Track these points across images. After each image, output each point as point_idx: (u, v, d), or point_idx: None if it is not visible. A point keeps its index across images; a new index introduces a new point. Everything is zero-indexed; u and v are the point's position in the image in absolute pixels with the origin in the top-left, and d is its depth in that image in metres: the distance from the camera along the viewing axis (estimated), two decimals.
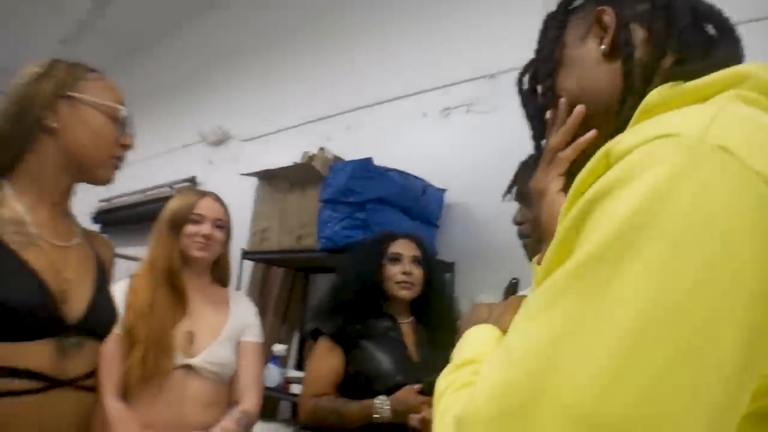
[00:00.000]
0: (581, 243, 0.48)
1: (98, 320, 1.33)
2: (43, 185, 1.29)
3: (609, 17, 0.74)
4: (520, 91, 0.89)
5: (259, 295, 3.53)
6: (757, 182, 0.44)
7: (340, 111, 3.81)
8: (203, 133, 4.81)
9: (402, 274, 2.16)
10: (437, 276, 2.32)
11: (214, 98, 4.99)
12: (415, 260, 2.21)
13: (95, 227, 5.68)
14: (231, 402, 1.90)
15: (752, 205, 0.44)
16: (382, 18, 3.75)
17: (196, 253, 1.91)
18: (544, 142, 0.86)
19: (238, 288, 3.35)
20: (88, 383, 1.29)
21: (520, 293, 0.94)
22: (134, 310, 1.78)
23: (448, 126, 3.24)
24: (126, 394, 1.74)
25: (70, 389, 1.23)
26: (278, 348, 2.88)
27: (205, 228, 1.92)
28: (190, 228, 1.91)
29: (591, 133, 0.77)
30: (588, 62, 0.76)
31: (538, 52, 0.84)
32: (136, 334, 1.74)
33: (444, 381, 0.71)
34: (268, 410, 3.37)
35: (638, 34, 0.72)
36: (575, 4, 0.83)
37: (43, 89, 1.27)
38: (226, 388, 1.90)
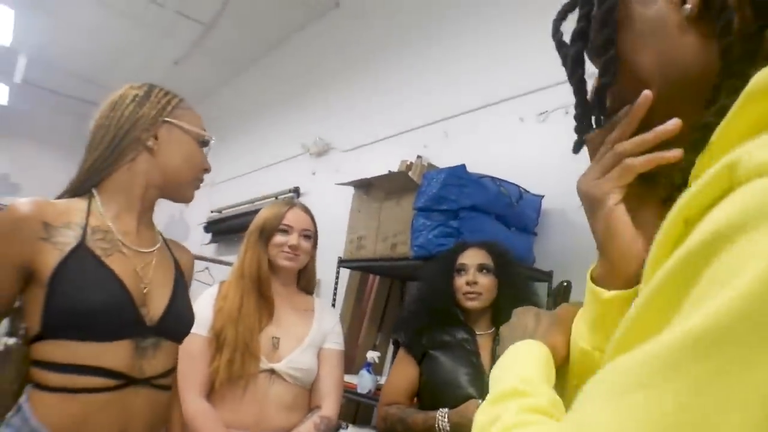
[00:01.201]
0: (700, 297, 0.35)
1: (175, 323, 1.40)
2: (132, 197, 1.38)
3: None
4: (560, 47, 0.72)
5: (356, 302, 3.56)
6: None
7: (436, 119, 3.81)
8: (306, 145, 4.94)
9: (466, 284, 2.12)
10: (512, 283, 2.20)
11: (316, 111, 5.12)
12: (482, 268, 2.16)
13: (206, 236, 5.94)
14: (311, 407, 1.94)
15: None
16: (477, 24, 3.73)
17: (284, 263, 1.97)
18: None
19: (335, 295, 3.40)
20: (162, 382, 1.36)
21: (573, 301, 0.84)
22: (223, 314, 1.84)
23: (545, 130, 3.16)
24: (210, 394, 1.81)
25: (145, 387, 1.31)
26: (371, 355, 2.89)
27: (293, 238, 1.97)
28: (278, 238, 1.97)
29: (677, 152, 0.59)
30: (665, 27, 0.59)
31: (583, 17, 0.67)
32: (224, 337, 1.80)
33: (484, 415, 0.60)
34: (361, 416, 3.40)
35: None
36: None
37: (147, 112, 1.39)
38: (307, 393, 1.94)
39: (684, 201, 0.42)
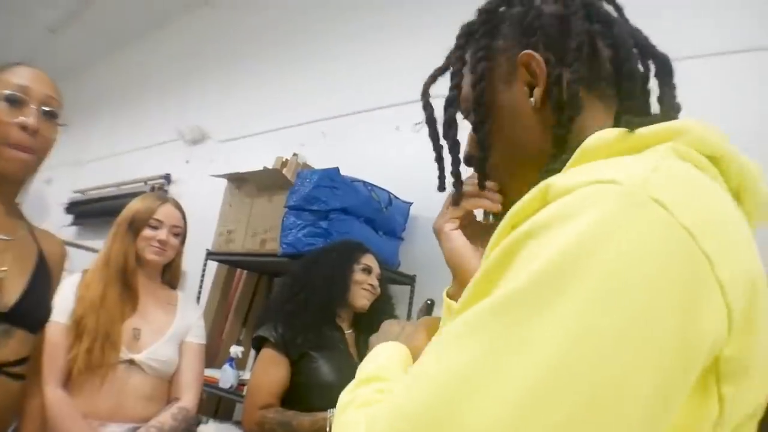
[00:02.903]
0: (508, 277, 0.48)
1: (29, 311, 1.35)
2: None
3: (537, 66, 0.69)
4: (425, 107, 0.82)
5: (221, 295, 3.55)
6: (684, 235, 0.45)
7: (315, 118, 3.86)
8: (181, 132, 4.82)
9: (369, 283, 2.20)
10: (387, 292, 2.37)
11: (194, 98, 5.02)
12: (378, 277, 2.26)
13: (67, 218, 5.65)
14: (170, 398, 1.95)
15: (678, 260, 0.44)
16: (364, 29, 3.81)
17: (151, 257, 1.97)
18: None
19: (200, 287, 3.38)
20: (14, 371, 1.32)
21: (435, 315, 0.95)
22: (84, 302, 1.82)
23: (419, 140, 3.23)
24: (68, 383, 1.78)
25: None
26: (235, 350, 2.90)
27: (162, 233, 1.97)
28: (147, 232, 1.97)
29: (496, 197, 0.78)
30: (519, 112, 0.72)
31: (457, 84, 0.77)
32: (84, 325, 1.78)
33: (346, 396, 0.69)
34: (223, 411, 3.40)
35: (566, 77, 0.68)
36: (494, 30, 0.75)
37: None
38: (167, 385, 1.95)
39: (512, 212, 0.55)
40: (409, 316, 2.87)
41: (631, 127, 0.58)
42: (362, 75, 3.72)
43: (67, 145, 6.27)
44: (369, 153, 3.47)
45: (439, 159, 0.84)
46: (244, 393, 2.79)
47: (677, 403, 0.45)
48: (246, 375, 3.01)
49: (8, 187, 1.38)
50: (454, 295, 0.82)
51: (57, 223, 5.76)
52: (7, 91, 1.27)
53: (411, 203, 3.09)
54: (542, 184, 0.54)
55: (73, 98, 7.27)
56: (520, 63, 0.70)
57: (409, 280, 2.99)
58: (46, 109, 1.32)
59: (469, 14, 0.81)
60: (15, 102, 1.27)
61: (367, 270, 2.23)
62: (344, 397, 0.69)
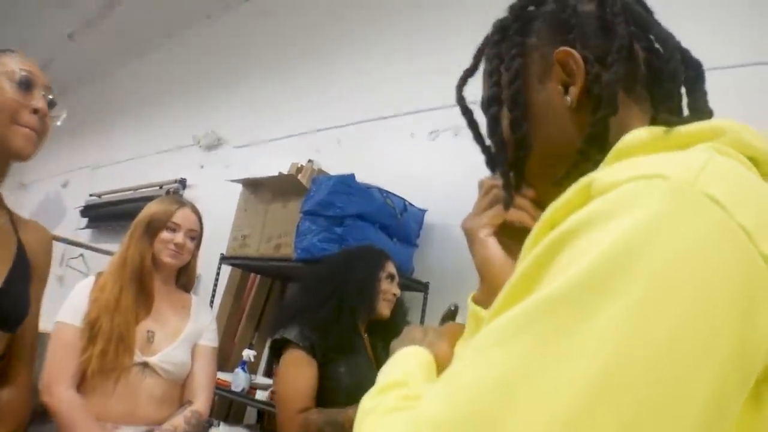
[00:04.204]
0: (550, 277, 0.45)
1: (5, 310, 1.31)
2: None
3: (575, 64, 0.67)
4: (464, 111, 0.82)
5: (235, 299, 3.56)
6: (741, 235, 0.43)
7: (331, 125, 3.86)
8: (197, 137, 4.85)
9: (392, 293, 2.22)
10: (402, 303, 2.38)
11: (211, 104, 5.04)
12: (399, 284, 2.29)
13: (83, 221, 5.69)
14: (183, 401, 1.95)
15: (735, 259, 0.42)
16: (381, 36, 3.82)
17: (167, 260, 1.97)
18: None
19: (214, 290, 3.39)
20: None
21: (459, 322, 0.93)
22: (99, 304, 1.82)
23: (434, 148, 3.29)
24: (81, 385, 1.79)
25: None
26: (248, 353, 2.90)
27: (179, 237, 1.98)
28: (164, 235, 1.97)
29: (531, 193, 0.75)
30: (553, 111, 0.70)
31: (495, 83, 0.75)
32: (99, 327, 1.78)
33: (369, 401, 0.67)
34: (234, 414, 3.40)
35: (605, 76, 0.66)
36: (527, 27, 0.74)
37: None
38: (180, 388, 1.95)
39: (551, 211, 0.53)
40: (422, 324, 2.86)
41: (670, 125, 0.56)
42: (378, 82, 3.73)
43: (83, 149, 6.39)
44: (384, 160, 3.47)
45: (491, 161, 0.81)
46: (255, 397, 2.81)
47: (733, 412, 0.43)
48: (258, 379, 3.02)
49: None
50: (481, 301, 0.79)
51: (73, 226, 5.81)
52: (23, 73, 1.29)
53: (426, 210, 3.09)
54: (584, 179, 0.52)
55: (90, 104, 7.37)
56: (556, 60, 0.68)
57: (423, 287, 2.98)
58: (50, 96, 1.34)
59: (487, 23, 0.80)
60: (27, 86, 1.29)
61: (391, 278, 2.24)
62: (367, 402, 0.67)
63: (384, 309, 2.19)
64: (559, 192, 0.56)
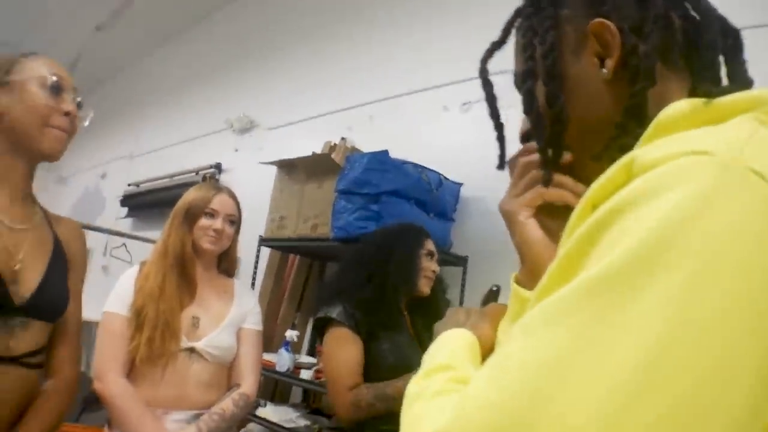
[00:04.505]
0: (597, 256, 0.45)
1: (47, 303, 1.37)
2: None
3: (611, 35, 0.65)
4: (485, 84, 0.80)
5: (275, 281, 3.59)
6: None
7: (362, 102, 3.85)
8: (229, 121, 4.88)
9: (431, 270, 2.21)
10: (441, 279, 2.37)
11: (242, 87, 5.07)
12: (438, 262, 2.27)
13: (122, 210, 5.79)
14: (230, 384, 1.97)
15: None
16: (408, 10, 3.78)
17: (207, 246, 1.98)
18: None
19: (254, 273, 3.41)
20: (32, 361, 1.34)
21: (501, 302, 0.92)
22: (144, 292, 1.84)
23: (468, 120, 3.25)
24: (130, 373, 1.82)
25: (13, 365, 1.29)
26: (290, 333, 2.93)
27: (218, 223, 1.98)
28: (203, 221, 1.98)
29: (582, 188, 0.71)
30: (589, 84, 0.68)
31: (529, 57, 0.73)
32: (145, 315, 1.80)
33: (416, 386, 0.67)
34: (280, 394, 3.45)
35: (642, 48, 0.64)
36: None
37: None
38: (226, 371, 1.97)
39: (592, 190, 0.52)
40: (461, 298, 2.85)
41: (711, 97, 0.54)
42: (408, 56, 3.70)
43: (119, 140, 6.48)
44: (417, 135, 3.45)
45: (501, 138, 0.81)
46: (300, 376, 2.84)
47: None
48: (302, 358, 3.06)
49: (23, 171, 1.38)
50: (521, 282, 0.78)
51: (113, 216, 5.92)
52: (54, 78, 1.35)
53: (461, 184, 3.06)
54: (626, 157, 0.50)
55: (122, 94, 7.48)
56: (590, 32, 0.66)
57: (461, 262, 2.97)
58: (78, 99, 1.41)
59: None
60: (57, 90, 1.36)
61: (431, 255, 2.23)
62: (413, 387, 0.67)
63: (424, 286, 2.19)
64: (597, 167, 0.54)
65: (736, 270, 0.40)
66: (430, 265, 2.21)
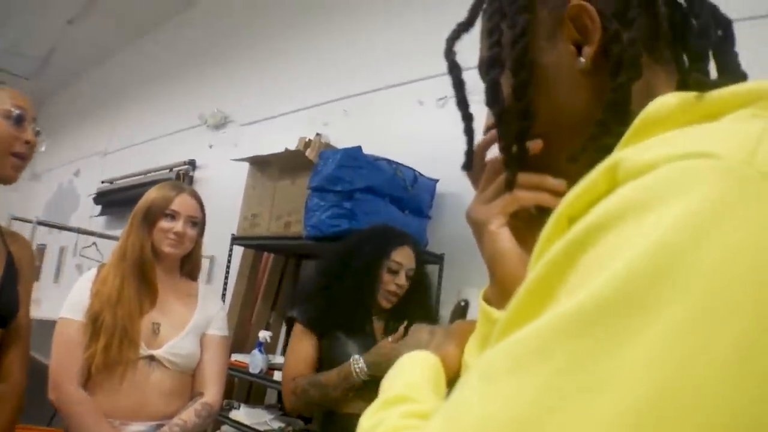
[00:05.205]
0: (575, 285, 0.37)
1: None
2: None
3: (590, 20, 0.58)
4: (452, 68, 0.72)
5: (249, 280, 3.53)
6: None
7: (337, 97, 3.78)
8: (204, 116, 4.80)
9: (394, 284, 2.12)
10: (423, 283, 2.29)
11: (215, 83, 4.99)
12: (408, 273, 2.17)
13: (96, 208, 5.71)
14: (194, 393, 1.90)
15: None
16: (384, 4, 3.72)
17: (167, 249, 1.91)
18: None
19: (227, 272, 3.35)
20: None
21: (469, 319, 0.84)
22: (101, 297, 1.78)
23: (444, 115, 3.19)
24: (87, 381, 1.75)
25: None
26: (263, 334, 2.87)
27: (179, 225, 1.91)
28: (163, 223, 1.90)
29: (560, 184, 0.64)
30: (563, 74, 0.61)
31: (495, 43, 0.65)
32: (102, 322, 1.74)
33: (369, 419, 0.60)
34: (254, 395, 3.40)
35: (624, 35, 0.57)
36: None
37: None
38: (189, 380, 1.90)
39: (568, 200, 0.44)
40: (438, 297, 2.80)
41: (704, 89, 0.46)
42: (383, 50, 3.63)
43: (92, 137, 6.39)
44: (392, 130, 3.40)
45: (469, 131, 0.72)
46: (273, 378, 2.79)
47: None
48: (277, 359, 3.00)
49: None
50: (490, 299, 0.70)
51: (87, 214, 5.82)
52: (17, 111, 1.52)
53: (437, 180, 3.00)
54: (608, 160, 0.42)
55: (94, 90, 7.39)
56: (567, 16, 0.59)
57: (438, 260, 2.91)
58: (37, 128, 1.59)
59: None
60: (19, 120, 1.53)
61: (396, 271, 2.13)
62: (366, 420, 0.60)
63: (383, 301, 2.12)
64: (574, 170, 0.47)
65: (752, 309, 0.32)
66: (391, 280, 2.12)
